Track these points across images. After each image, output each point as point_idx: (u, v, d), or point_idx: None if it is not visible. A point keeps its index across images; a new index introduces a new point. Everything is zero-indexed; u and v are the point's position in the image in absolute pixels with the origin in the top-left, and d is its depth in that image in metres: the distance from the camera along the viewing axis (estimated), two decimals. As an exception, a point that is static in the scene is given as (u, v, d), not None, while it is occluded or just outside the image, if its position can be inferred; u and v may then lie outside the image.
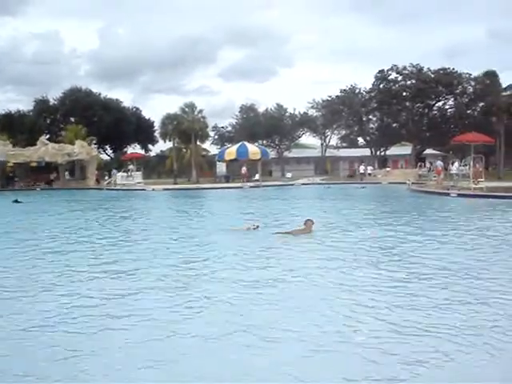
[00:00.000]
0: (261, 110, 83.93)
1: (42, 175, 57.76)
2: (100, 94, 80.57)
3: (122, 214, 23.93)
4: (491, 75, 68.60)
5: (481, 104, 69.01)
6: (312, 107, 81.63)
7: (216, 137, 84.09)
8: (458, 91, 70.67)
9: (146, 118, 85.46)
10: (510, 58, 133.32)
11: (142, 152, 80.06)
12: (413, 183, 43.78)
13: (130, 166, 57.36)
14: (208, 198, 36.99)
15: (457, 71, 70.21)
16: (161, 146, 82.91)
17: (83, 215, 23.62)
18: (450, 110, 73.49)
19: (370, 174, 60.01)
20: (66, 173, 59.98)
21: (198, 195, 40.03)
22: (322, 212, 22.53)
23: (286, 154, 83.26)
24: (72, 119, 73.14)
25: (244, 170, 55.72)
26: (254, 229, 15.31)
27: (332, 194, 37.37)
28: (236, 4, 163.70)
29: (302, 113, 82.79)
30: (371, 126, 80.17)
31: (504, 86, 66.12)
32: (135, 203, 32.73)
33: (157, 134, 76.10)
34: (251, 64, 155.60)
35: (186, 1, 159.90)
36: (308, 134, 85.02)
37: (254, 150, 56.78)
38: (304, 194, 39.80)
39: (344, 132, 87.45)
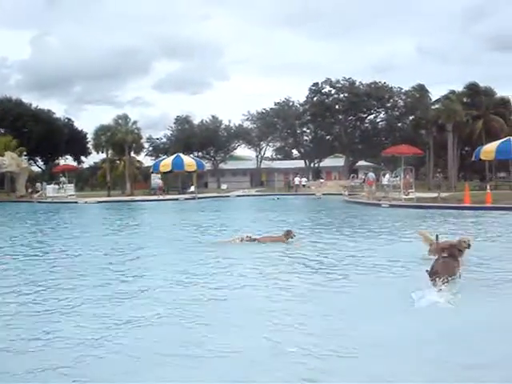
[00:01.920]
0: (196, 121, 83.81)
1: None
2: (31, 105, 78.58)
3: (48, 227, 23.25)
4: (421, 89, 70.75)
5: (411, 117, 71.09)
6: (247, 119, 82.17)
7: (150, 148, 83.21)
8: (389, 105, 72.67)
9: (79, 129, 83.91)
10: (438, 73, 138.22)
11: (75, 164, 78.47)
12: (349, 194, 44.57)
13: (62, 178, 56.06)
14: (143, 211, 36.47)
15: (388, 85, 72.22)
16: (94, 158, 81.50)
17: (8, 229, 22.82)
18: (381, 123, 75.48)
19: (304, 186, 60.76)
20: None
21: (132, 208, 39.46)
22: (264, 221, 22.70)
23: (222, 165, 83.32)
24: (1, 130, 71.04)
25: (159, 182, 55.38)
26: (248, 240, 14.48)
27: (271, 205, 37.68)
28: (171, 16, 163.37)
29: (237, 125, 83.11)
30: (305, 138, 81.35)
31: (433, 99, 68.33)
32: (65, 216, 31.89)
33: (90, 145, 74.69)
34: (186, 76, 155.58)
35: (121, 11, 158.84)
36: (243, 145, 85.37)
37: (189, 161, 56.45)
38: (241, 204, 39.92)
39: (279, 144, 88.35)
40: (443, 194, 37.81)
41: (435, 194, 37.00)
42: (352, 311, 7.46)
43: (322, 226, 20.82)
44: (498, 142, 46.84)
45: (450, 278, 8.31)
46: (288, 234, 14.63)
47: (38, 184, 56.92)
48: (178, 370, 5.47)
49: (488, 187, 32.06)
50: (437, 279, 8.13)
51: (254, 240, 14.45)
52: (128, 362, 5.70)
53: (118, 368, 5.56)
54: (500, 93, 66.33)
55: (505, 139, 47.52)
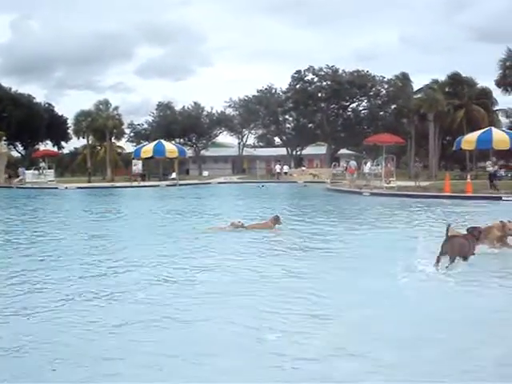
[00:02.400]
0: (178, 108, 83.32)
1: None
2: (11, 89, 77.55)
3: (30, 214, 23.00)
4: (404, 78, 70.88)
5: (393, 106, 71.28)
6: (229, 106, 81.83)
7: (132, 134, 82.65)
8: (371, 93, 72.73)
9: (59, 114, 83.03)
10: (420, 62, 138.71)
11: (55, 149, 77.73)
12: (331, 182, 44.65)
13: (42, 164, 55.48)
14: (125, 197, 36.24)
15: (370, 74, 72.22)
16: (74, 144, 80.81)
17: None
18: (363, 112, 75.53)
19: (285, 173, 60.72)
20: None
21: (112, 194, 39.12)
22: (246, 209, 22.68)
23: (204, 152, 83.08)
24: (-20, 114, 70.21)
25: (136, 169, 55.01)
26: (239, 227, 14.30)
27: (254, 192, 37.64)
28: (154, 1, 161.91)
29: (219, 112, 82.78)
30: (287, 125, 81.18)
31: (415, 89, 68.53)
32: (46, 202, 31.60)
33: (70, 130, 73.93)
34: (168, 62, 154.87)
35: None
36: (225, 132, 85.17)
37: (170, 148, 56.17)
38: (223, 191, 39.91)
39: (261, 131, 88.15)
40: (424, 183, 38.09)
41: (422, 183, 37.24)
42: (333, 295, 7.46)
43: (304, 213, 20.81)
44: (478, 132, 47.10)
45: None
46: (276, 220, 14.57)
47: (21, 169, 56.24)
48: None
49: (468, 177, 32.28)
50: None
51: (243, 227, 14.32)
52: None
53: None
54: (481, 83, 66.71)
55: (485, 129, 47.84)
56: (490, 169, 29.61)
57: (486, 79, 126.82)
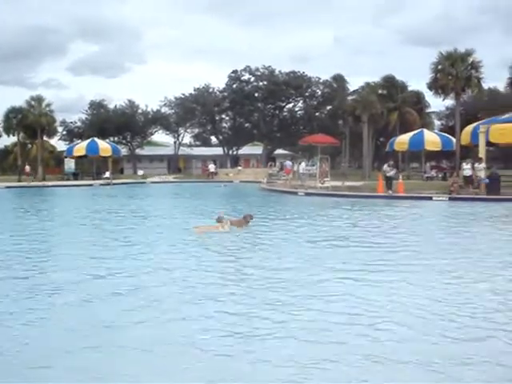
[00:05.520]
0: (112, 105, 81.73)
1: None
2: None
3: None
4: (339, 79, 71.98)
5: (328, 107, 72.17)
6: (165, 105, 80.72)
7: (64, 132, 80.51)
8: (307, 94, 73.29)
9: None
10: (355, 65, 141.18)
11: (-17, 147, 75.10)
12: (267, 182, 44.67)
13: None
14: (52, 197, 35.27)
15: (306, 75, 72.79)
16: (4, 141, 78.13)
17: None
18: (299, 112, 76.06)
19: (216, 174, 59.75)
20: None
21: (43, 194, 37.99)
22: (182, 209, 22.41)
23: (139, 151, 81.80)
24: None
25: (27, 168, 53.65)
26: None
27: (188, 191, 37.48)
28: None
29: (154, 110, 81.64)
30: (224, 125, 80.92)
31: (350, 90, 69.66)
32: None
33: (0, 127, 71.57)
34: (103, 58, 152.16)
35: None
36: (161, 131, 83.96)
37: (104, 146, 55.44)
38: (158, 191, 39.56)
39: (197, 130, 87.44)
40: (358, 183, 38.71)
41: (349, 183, 37.76)
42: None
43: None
44: (410, 134, 48.50)
45: None
46: (247, 218, 15.01)
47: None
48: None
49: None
50: None
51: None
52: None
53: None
54: (413, 86, 68.47)
55: (417, 131, 49.31)
56: (391, 173, 30.38)
57: (419, 82, 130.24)
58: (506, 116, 32.23)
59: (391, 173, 30.29)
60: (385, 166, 31.34)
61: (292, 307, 6.96)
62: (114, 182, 49.30)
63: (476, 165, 28.77)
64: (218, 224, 14.15)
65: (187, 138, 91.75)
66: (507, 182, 29.87)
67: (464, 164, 30.87)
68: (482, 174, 28.41)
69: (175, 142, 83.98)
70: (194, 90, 77.77)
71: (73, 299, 7.44)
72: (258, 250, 11.66)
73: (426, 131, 49.24)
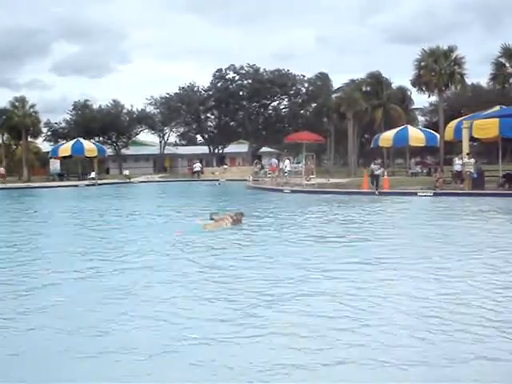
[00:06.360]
0: (97, 105, 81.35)
1: None
2: None
3: None
4: (323, 77, 72.17)
5: (313, 104, 72.32)
6: (150, 104, 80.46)
7: (49, 133, 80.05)
8: (292, 92, 73.44)
9: (-29, 112, 79.52)
10: (339, 63, 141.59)
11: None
12: (253, 180, 44.69)
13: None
14: (38, 198, 35.07)
15: (291, 73, 72.90)
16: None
17: None
18: (284, 110, 76.16)
19: (202, 173, 59.43)
20: None
21: (28, 195, 37.75)
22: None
23: (124, 151, 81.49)
24: None
25: (1, 170, 53.25)
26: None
27: (175, 190, 37.55)
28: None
29: (139, 109, 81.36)
30: (209, 124, 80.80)
31: (335, 87, 69.87)
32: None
33: (-17, 129, 70.97)
34: (87, 59, 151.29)
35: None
36: (146, 131, 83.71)
37: (89, 146, 55.19)
38: (145, 190, 39.63)
39: (182, 129, 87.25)
40: (343, 180, 38.93)
41: (334, 180, 37.97)
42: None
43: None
44: (395, 130, 48.69)
45: None
46: (241, 215, 15.38)
47: None
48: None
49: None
50: None
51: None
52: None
53: None
54: (397, 83, 68.79)
55: (402, 127, 49.52)
56: (379, 172, 30.54)
57: (402, 79, 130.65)
58: (489, 111, 32.55)
59: (379, 171, 30.44)
60: (372, 165, 31.51)
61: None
62: (100, 182, 49.10)
63: (465, 160, 28.89)
64: (221, 221, 14.76)
65: (173, 138, 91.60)
66: (490, 177, 30.18)
67: (456, 159, 31.20)
68: (472, 169, 28.60)
69: (161, 142, 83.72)
70: (179, 89, 77.57)
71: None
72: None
73: (410, 127, 49.54)
